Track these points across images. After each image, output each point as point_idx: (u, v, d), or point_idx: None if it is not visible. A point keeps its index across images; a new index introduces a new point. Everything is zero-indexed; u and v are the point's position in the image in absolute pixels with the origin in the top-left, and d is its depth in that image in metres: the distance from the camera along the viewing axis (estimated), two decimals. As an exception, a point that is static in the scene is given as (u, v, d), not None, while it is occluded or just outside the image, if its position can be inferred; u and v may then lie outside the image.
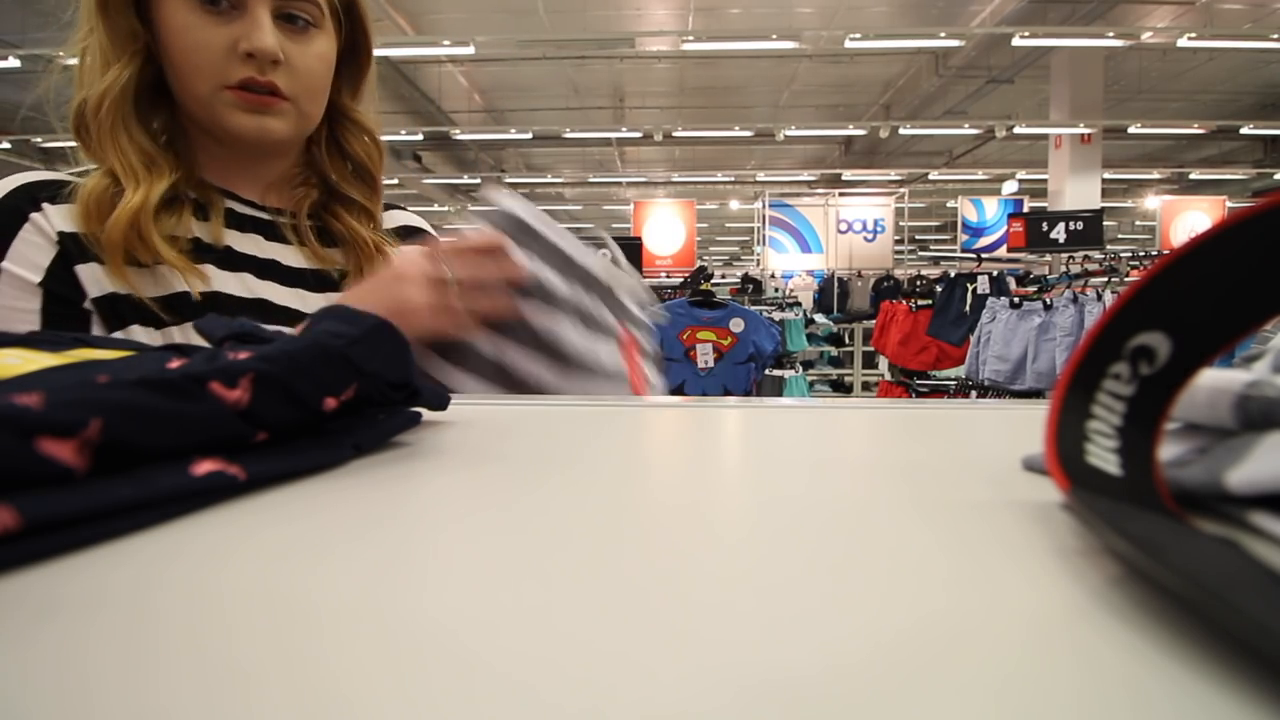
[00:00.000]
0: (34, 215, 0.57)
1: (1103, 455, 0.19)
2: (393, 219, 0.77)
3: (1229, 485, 0.18)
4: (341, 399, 0.26)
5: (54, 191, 0.59)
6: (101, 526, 0.17)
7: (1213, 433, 0.21)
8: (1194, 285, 0.18)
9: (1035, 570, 0.16)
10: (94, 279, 0.57)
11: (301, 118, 0.64)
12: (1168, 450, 0.21)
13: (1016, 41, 6.70)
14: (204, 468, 0.21)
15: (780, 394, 3.70)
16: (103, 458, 0.18)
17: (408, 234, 0.76)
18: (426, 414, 0.34)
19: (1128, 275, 3.57)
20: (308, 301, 0.66)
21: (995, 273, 3.99)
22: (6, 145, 9.20)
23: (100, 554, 0.17)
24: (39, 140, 9.07)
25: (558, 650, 0.12)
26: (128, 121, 0.60)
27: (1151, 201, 10.28)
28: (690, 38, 7.00)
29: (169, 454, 0.20)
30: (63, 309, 0.57)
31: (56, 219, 0.58)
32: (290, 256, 0.67)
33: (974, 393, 3.75)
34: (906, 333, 4.34)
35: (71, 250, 0.57)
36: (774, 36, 6.57)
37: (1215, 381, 0.20)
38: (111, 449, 0.18)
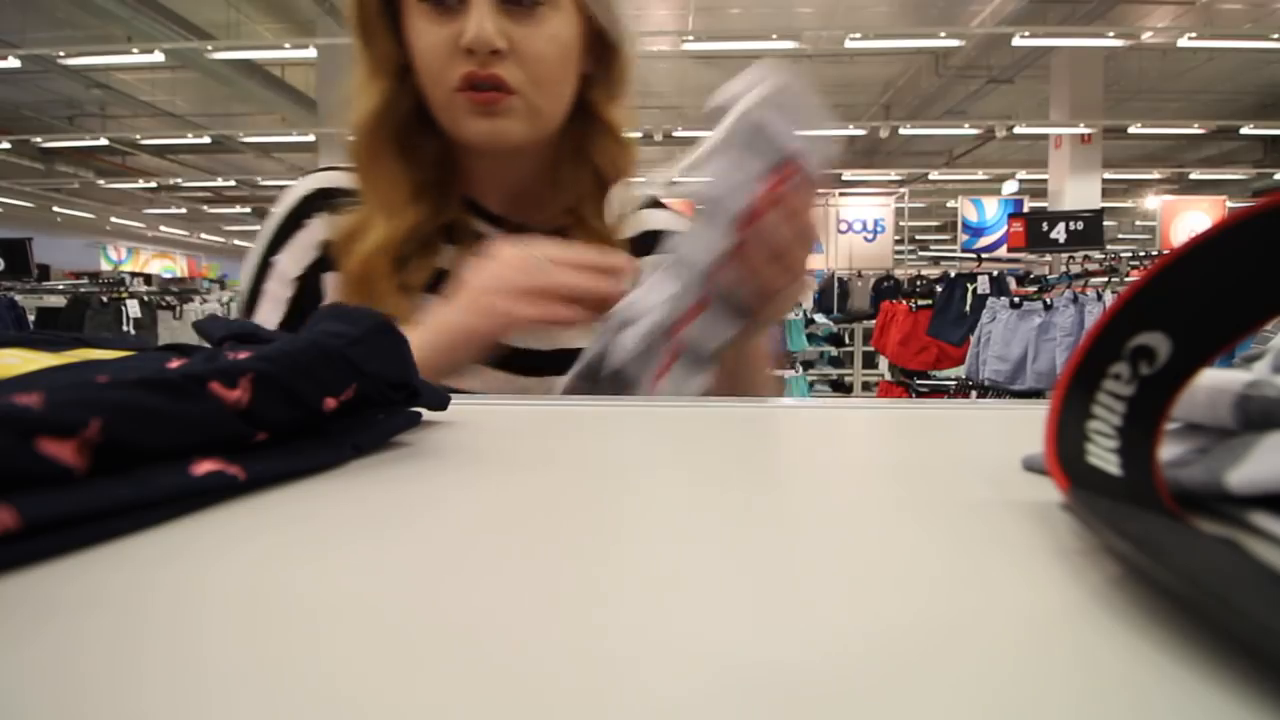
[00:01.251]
0: (308, 223, 0.62)
1: (1103, 455, 0.19)
2: (642, 222, 0.67)
3: (1229, 485, 0.18)
4: (341, 399, 0.26)
5: (333, 203, 0.62)
6: (101, 527, 0.17)
7: (1213, 433, 0.21)
8: (1194, 285, 0.18)
9: (1035, 570, 0.16)
10: (333, 286, 0.61)
11: (534, 114, 0.58)
12: (1168, 450, 0.21)
13: (1016, 41, 6.70)
14: (204, 468, 0.21)
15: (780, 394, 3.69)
16: (102, 457, 0.18)
17: (652, 240, 0.65)
18: (426, 414, 0.34)
19: (1128, 275, 3.57)
20: None
21: (995, 273, 3.99)
22: (6, 145, 9.20)
23: (99, 554, 0.17)
24: (39, 140, 9.07)
25: (556, 645, 0.12)
26: (382, 150, 0.60)
27: (1151, 201, 10.28)
28: (690, 38, 7.00)
29: (169, 454, 0.20)
30: (308, 304, 0.61)
31: (325, 229, 0.61)
32: None
33: (974, 393, 3.75)
34: (906, 333, 4.34)
35: (327, 258, 0.61)
36: (774, 36, 6.58)
37: (1215, 381, 0.20)
38: (111, 449, 0.19)
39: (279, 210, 0.63)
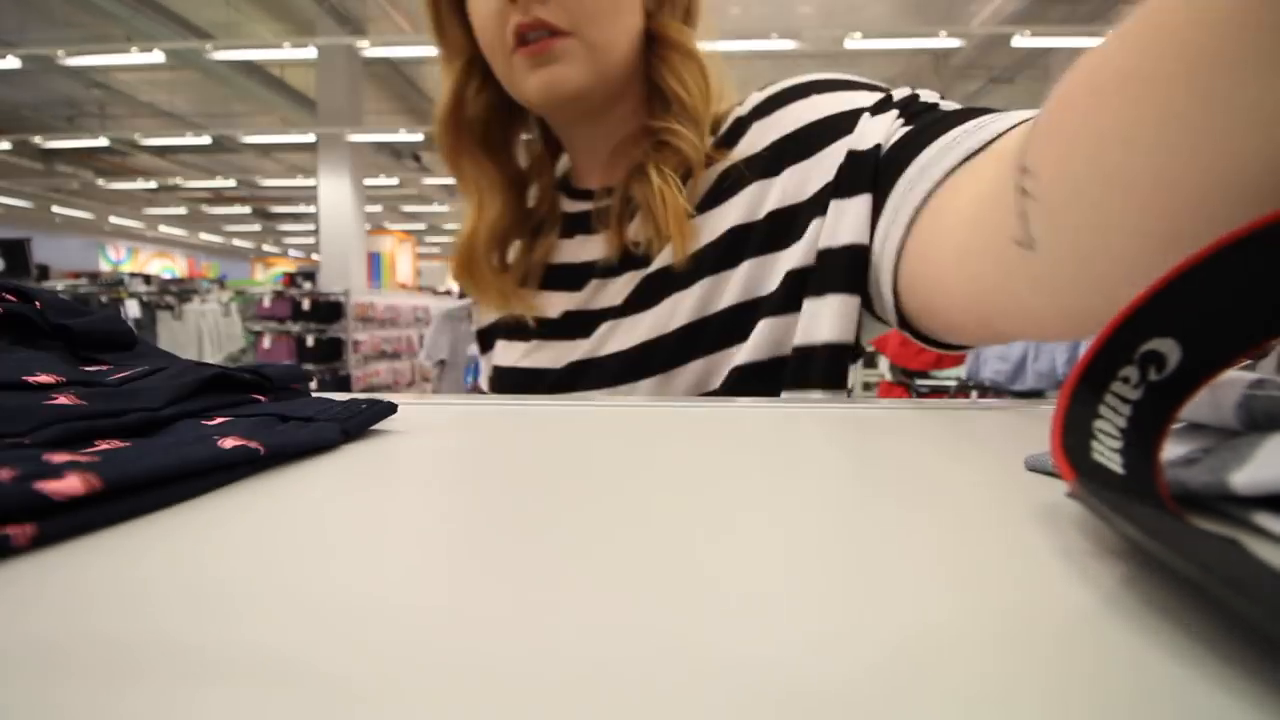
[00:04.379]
0: None
1: (1107, 454, 0.19)
2: (781, 125, 0.53)
3: (1233, 486, 0.18)
4: None
5: None
6: (138, 500, 0.19)
7: (1217, 433, 0.21)
8: (1209, 293, 0.18)
9: (1040, 570, 0.16)
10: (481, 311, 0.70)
11: (593, 51, 0.52)
12: (1172, 449, 0.21)
13: (1016, 41, 6.69)
14: (229, 443, 0.23)
15: (780, 394, 3.68)
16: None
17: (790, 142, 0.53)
18: (402, 405, 0.36)
19: (1127, 275, 3.55)
20: (598, 295, 0.59)
21: (995, 273, 3.97)
22: (6, 145, 9.19)
23: (83, 543, 0.17)
24: (38, 140, 9.06)
25: (553, 652, 0.12)
26: (461, 143, 0.60)
27: (1151, 201, 10.22)
28: (690, 37, 6.97)
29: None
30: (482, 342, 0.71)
31: None
32: (598, 249, 0.59)
33: (974, 393, 3.75)
34: (907, 333, 4.32)
35: None
36: (774, 35, 6.57)
37: (1219, 381, 0.20)
38: None
39: None
